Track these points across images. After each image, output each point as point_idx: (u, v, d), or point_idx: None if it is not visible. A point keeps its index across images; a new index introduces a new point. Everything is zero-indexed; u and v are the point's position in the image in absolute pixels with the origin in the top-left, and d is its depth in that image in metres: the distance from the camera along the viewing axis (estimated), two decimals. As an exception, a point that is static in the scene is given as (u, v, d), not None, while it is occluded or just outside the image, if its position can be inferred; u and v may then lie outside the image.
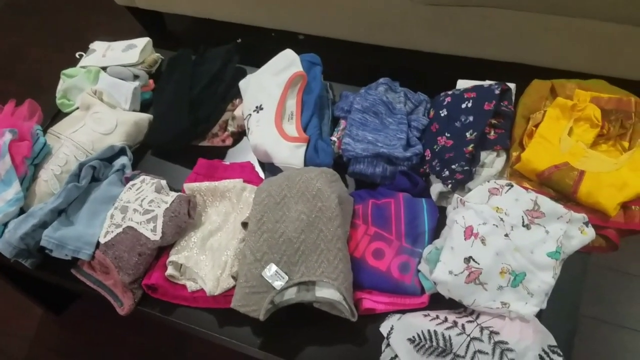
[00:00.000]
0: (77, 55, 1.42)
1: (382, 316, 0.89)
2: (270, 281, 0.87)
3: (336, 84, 1.25)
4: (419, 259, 0.92)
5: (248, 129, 1.15)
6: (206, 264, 0.98)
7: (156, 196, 1.03)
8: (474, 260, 0.81)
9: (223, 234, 1.02)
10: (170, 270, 0.97)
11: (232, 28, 1.84)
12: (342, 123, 1.12)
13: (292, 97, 1.14)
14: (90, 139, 1.18)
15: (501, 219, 0.84)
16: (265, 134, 1.09)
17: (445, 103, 1.07)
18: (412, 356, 0.79)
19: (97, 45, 1.42)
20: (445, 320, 0.82)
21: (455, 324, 0.81)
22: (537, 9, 1.40)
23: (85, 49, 1.43)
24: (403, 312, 0.88)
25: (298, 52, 1.18)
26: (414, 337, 0.80)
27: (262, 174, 1.14)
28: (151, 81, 1.36)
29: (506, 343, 0.77)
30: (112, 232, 1.00)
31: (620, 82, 1.04)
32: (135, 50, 1.36)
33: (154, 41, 1.41)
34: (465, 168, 0.95)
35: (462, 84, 1.11)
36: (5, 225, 1.06)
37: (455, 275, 0.81)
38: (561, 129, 0.99)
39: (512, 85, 1.06)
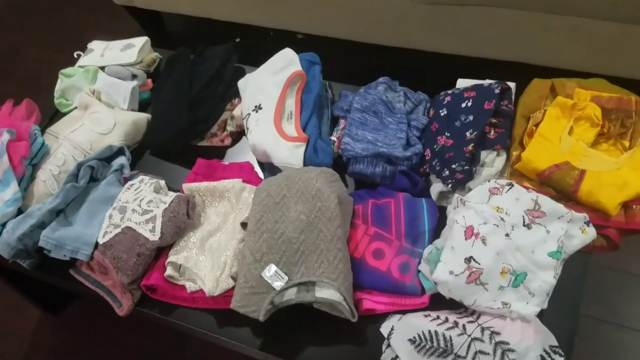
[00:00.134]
0: (75, 54, 1.42)
1: (383, 317, 0.88)
2: (270, 282, 0.87)
3: (335, 84, 1.25)
4: (419, 259, 0.91)
5: (247, 128, 1.15)
6: (205, 264, 0.97)
7: (155, 196, 1.02)
8: (474, 260, 0.81)
9: (222, 235, 1.02)
10: (169, 271, 0.97)
11: (231, 27, 1.83)
12: (342, 122, 1.12)
13: (291, 96, 1.13)
14: (89, 138, 1.18)
15: (502, 219, 0.84)
16: (265, 134, 1.09)
17: (445, 102, 1.06)
18: (412, 357, 0.79)
19: (95, 45, 1.42)
20: (446, 320, 0.81)
21: (456, 324, 0.80)
22: (536, 8, 1.40)
23: (83, 48, 1.43)
24: (403, 312, 0.88)
25: (297, 52, 1.17)
26: (414, 337, 0.80)
27: (261, 174, 1.14)
28: (149, 81, 1.36)
29: (507, 343, 0.77)
30: (111, 232, 1.00)
31: (620, 81, 1.04)
32: (133, 49, 1.35)
33: (152, 40, 1.41)
34: (466, 167, 0.95)
35: (462, 83, 1.11)
36: (3, 225, 1.06)
37: (456, 275, 0.81)
38: (561, 128, 0.98)
39: (512, 85, 1.06)
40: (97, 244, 1.01)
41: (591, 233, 0.84)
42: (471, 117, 1.00)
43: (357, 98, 1.10)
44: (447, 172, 0.96)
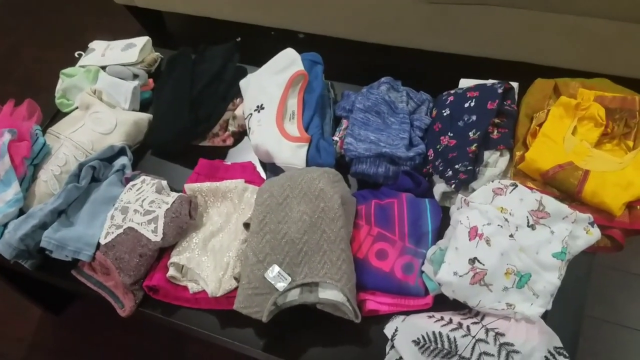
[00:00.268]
0: (76, 54, 1.41)
1: (386, 318, 0.88)
2: (273, 282, 0.87)
3: (337, 83, 1.24)
4: (423, 259, 0.91)
5: (249, 128, 1.14)
6: (208, 265, 0.97)
7: (157, 197, 1.02)
8: (478, 261, 0.80)
9: (225, 235, 1.02)
10: (171, 272, 0.96)
11: (232, 27, 1.83)
12: (344, 123, 1.12)
13: (294, 96, 1.13)
14: (90, 138, 1.17)
15: (506, 220, 0.83)
16: (267, 134, 1.09)
17: (448, 102, 1.06)
18: (417, 358, 0.78)
19: (97, 45, 1.42)
20: (450, 321, 0.81)
21: (460, 325, 0.80)
22: (536, 7, 1.40)
23: (84, 48, 1.42)
24: (407, 313, 0.87)
25: (299, 51, 1.17)
26: (418, 338, 0.79)
27: (263, 174, 1.13)
28: (151, 80, 1.35)
29: (512, 345, 0.76)
30: (113, 233, 1.00)
31: (620, 81, 1.03)
32: (134, 49, 1.35)
33: (153, 40, 1.40)
34: (469, 168, 0.94)
35: (465, 83, 1.11)
36: (5, 226, 1.05)
37: (460, 276, 0.80)
38: (565, 128, 0.98)
39: (515, 84, 1.06)
40: (99, 244, 1.01)
41: (595, 234, 0.84)
42: (474, 117, 1.00)
43: (359, 98, 1.10)
44: (450, 173, 0.96)
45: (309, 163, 1.04)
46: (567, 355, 0.77)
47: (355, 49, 1.72)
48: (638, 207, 0.89)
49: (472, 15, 1.48)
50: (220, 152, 1.20)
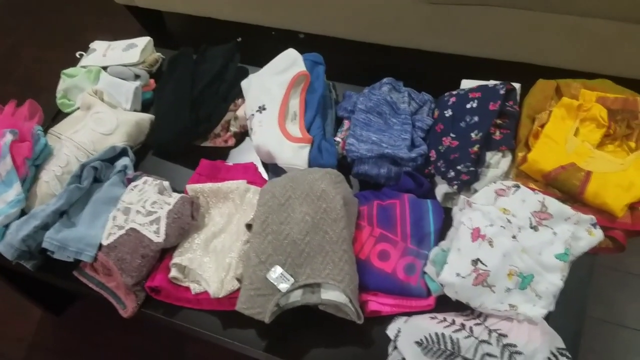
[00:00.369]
0: (77, 54, 1.41)
1: (388, 319, 0.88)
2: (275, 283, 0.87)
3: (339, 84, 1.24)
4: (425, 260, 0.91)
5: (251, 129, 1.14)
6: (210, 266, 0.97)
7: (159, 197, 1.02)
8: (481, 262, 0.80)
9: (227, 236, 1.02)
10: (173, 272, 0.96)
11: (232, 27, 1.83)
12: (346, 123, 1.11)
13: (295, 97, 1.13)
14: (91, 139, 1.17)
15: (508, 221, 0.83)
16: (269, 135, 1.09)
17: (449, 103, 1.06)
18: (419, 359, 0.78)
19: (98, 45, 1.41)
20: (453, 322, 0.81)
21: (463, 326, 0.80)
22: (536, 7, 1.40)
23: (85, 48, 1.42)
24: (409, 314, 0.87)
25: (299, 52, 1.17)
26: (421, 340, 0.80)
27: (265, 175, 1.13)
28: (152, 81, 1.35)
29: (514, 346, 0.76)
30: (115, 233, 0.99)
31: (620, 81, 1.04)
32: (135, 49, 1.35)
33: (153, 40, 1.40)
34: (471, 169, 0.94)
35: (467, 83, 1.11)
36: (7, 227, 1.05)
37: (463, 277, 0.80)
38: (567, 129, 0.98)
39: (517, 85, 1.06)
40: (100, 245, 1.01)
41: (598, 235, 0.84)
42: (476, 118, 1.00)
43: (361, 99, 1.10)
44: (452, 173, 0.96)
45: (311, 164, 1.04)
46: (569, 356, 0.77)
47: (356, 49, 1.72)
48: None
49: (473, 16, 1.48)
50: (222, 153, 1.20)
